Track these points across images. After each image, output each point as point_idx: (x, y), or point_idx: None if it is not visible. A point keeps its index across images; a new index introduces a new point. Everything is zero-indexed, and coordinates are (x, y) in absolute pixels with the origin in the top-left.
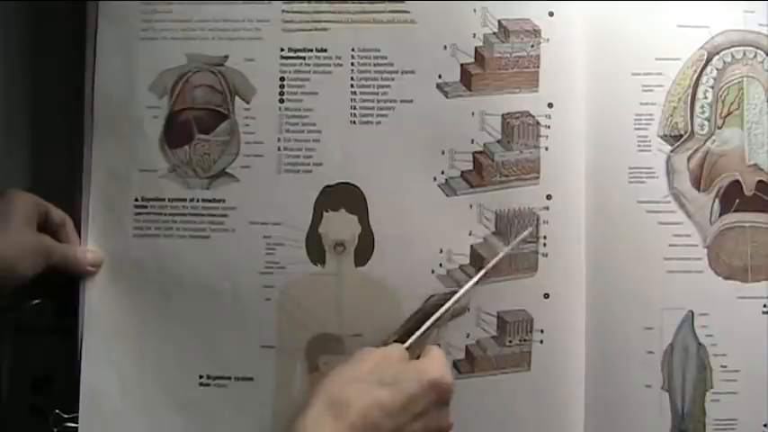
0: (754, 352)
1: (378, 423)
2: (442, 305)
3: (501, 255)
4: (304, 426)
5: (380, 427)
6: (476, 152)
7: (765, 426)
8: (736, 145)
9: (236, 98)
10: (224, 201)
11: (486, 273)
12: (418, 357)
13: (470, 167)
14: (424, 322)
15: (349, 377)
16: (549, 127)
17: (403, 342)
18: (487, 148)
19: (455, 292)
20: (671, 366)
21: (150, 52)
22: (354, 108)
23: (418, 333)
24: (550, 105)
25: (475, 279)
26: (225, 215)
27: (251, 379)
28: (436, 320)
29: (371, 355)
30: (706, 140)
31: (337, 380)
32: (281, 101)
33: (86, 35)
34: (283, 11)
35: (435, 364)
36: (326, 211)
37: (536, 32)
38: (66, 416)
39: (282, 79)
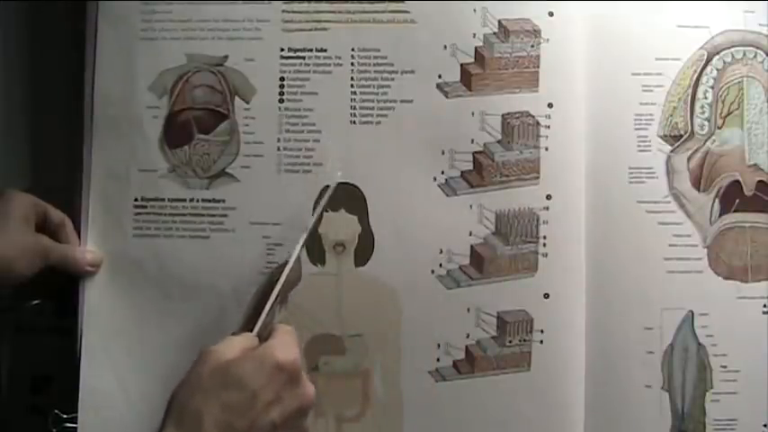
0: (754, 352)
1: (231, 425)
2: (276, 281)
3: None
4: None
5: (235, 427)
6: (476, 152)
7: (765, 426)
8: (736, 145)
9: (236, 98)
10: (224, 201)
11: (304, 243)
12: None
13: (470, 167)
14: (264, 302)
15: (194, 386)
16: (549, 127)
17: (251, 329)
18: (487, 148)
19: (286, 263)
20: (671, 366)
21: (150, 52)
22: (354, 108)
23: (262, 317)
24: (550, 105)
25: (300, 243)
26: (225, 215)
27: None
28: (275, 299)
29: (212, 356)
30: (706, 140)
31: (183, 392)
32: (281, 101)
33: (86, 35)
34: (283, 11)
35: (278, 344)
36: (326, 211)
37: (536, 32)
38: (65, 416)
39: (282, 79)
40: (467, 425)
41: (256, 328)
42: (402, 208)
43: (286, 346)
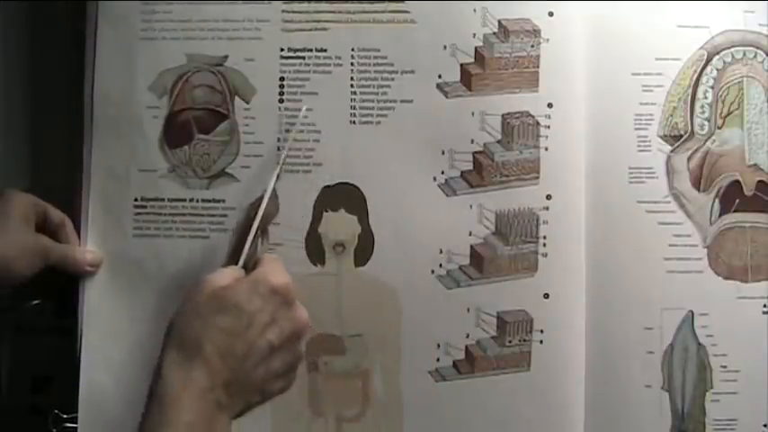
0: (754, 352)
1: (231, 348)
2: (255, 215)
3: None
4: (161, 373)
5: (235, 350)
6: (476, 152)
7: (765, 426)
8: (736, 145)
9: (236, 98)
10: (224, 201)
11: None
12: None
13: (470, 167)
14: (245, 236)
15: (191, 313)
16: (548, 127)
17: (236, 262)
18: (487, 148)
19: (262, 197)
20: (671, 366)
21: (150, 52)
22: (354, 108)
23: (245, 249)
24: (550, 105)
25: (276, 172)
26: (225, 215)
27: None
28: (256, 231)
29: (207, 284)
30: (706, 140)
31: (181, 320)
32: (281, 101)
33: (86, 35)
34: (283, 11)
35: (268, 270)
36: (326, 211)
37: (536, 32)
38: (65, 416)
39: (282, 79)
40: (467, 425)
41: (241, 261)
42: (402, 208)
43: (277, 271)
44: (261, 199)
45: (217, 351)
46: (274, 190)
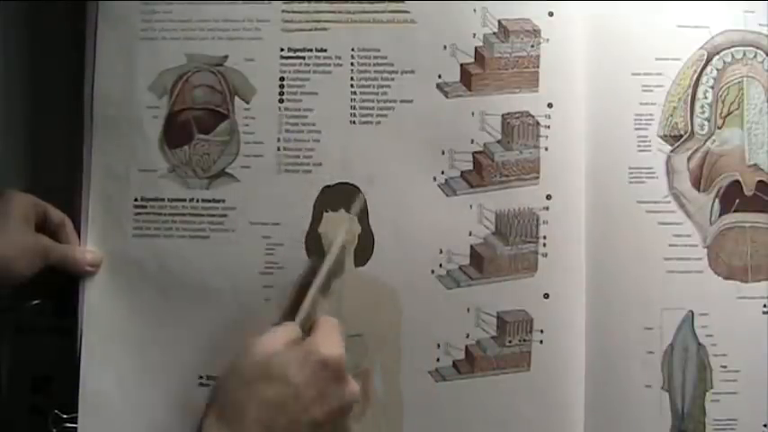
0: (754, 352)
1: (273, 421)
2: (320, 267)
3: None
4: None
5: (277, 423)
6: (476, 152)
7: (765, 426)
8: (736, 145)
9: (236, 98)
10: (224, 201)
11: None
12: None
13: (470, 167)
14: (306, 292)
15: (238, 378)
16: (548, 127)
17: (293, 319)
18: (487, 148)
19: (325, 255)
20: (671, 366)
21: (150, 52)
22: (354, 108)
23: (304, 306)
24: (550, 105)
25: (344, 230)
26: (225, 215)
27: None
28: (319, 287)
29: (256, 347)
30: (706, 140)
31: (227, 383)
32: (281, 101)
33: (86, 35)
34: (283, 11)
35: (323, 339)
36: (326, 211)
37: (536, 32)
38: (65, 416)
39: (282, 79)
40: (467, 425)
41: (298, 318)
42: (402, 208)
43: (331, 340)
44: (325, 254)
45: (258, 422)
46: (343, 244)
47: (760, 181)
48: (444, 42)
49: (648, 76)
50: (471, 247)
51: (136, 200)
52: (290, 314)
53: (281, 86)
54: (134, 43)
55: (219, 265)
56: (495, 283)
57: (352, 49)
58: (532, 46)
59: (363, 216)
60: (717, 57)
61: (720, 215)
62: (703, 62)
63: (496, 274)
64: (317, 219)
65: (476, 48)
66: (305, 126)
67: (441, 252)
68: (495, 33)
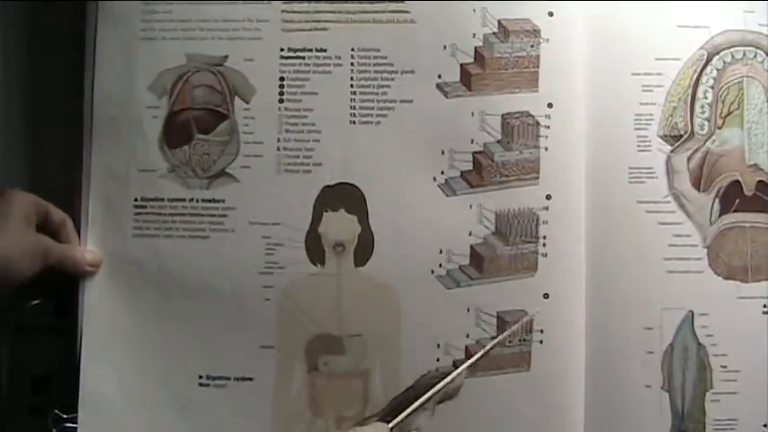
0: (754, 352)
1: None
2: (434, 385)
3: (493, 343)
4: None
5: None
6: (476, 152)
7: (765, 426)
8: (736, 145)
9: (236, 98)
10: (224, 201)
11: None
12: None
13: (470, 167)
14: (413, 401)
15: None
16: (548, 127)
17: (387, 421)
18: (487, 148)
19: (448, 374)
20: (671, 366)
21: (150, 52)
22: (354, 108)
23: (405, 413)
24: (550, 105)
25: (469, 362)
26: (224, 215)
27: (250, 379)
28: (425, 401)
29: None
30: (706, 140)
31: None
32: (281, 101)
33: (86, 35)
34: (283, 11)
35: None
36: (326, 211)
37: (536, 32)
38: (65, 416)
39: (282, 79)
40: (467, 425)
41: (393, 423)
42: (402, 208)
43: None
44: (448, 373)
45: None
46: (462, 374)
47: (760, 181)
48: (444, 42)
49: (648, 76)
50: (471, 247)
51: (136, 200)
52: (387, 413)
53: (281, 86)
54: (134, 43)
55: (219, 265)
56: (495, 283)
57: (352, 49)
58: (532, 46)
59: (363, 216)
60: (717, 57)
61: (720, 215)
62: (703, 62)
63: (496, 274)
64: (316, 219)
65: (476, 48)
66: (305, 126)
67: (441, 252)
68: (494, 33)
